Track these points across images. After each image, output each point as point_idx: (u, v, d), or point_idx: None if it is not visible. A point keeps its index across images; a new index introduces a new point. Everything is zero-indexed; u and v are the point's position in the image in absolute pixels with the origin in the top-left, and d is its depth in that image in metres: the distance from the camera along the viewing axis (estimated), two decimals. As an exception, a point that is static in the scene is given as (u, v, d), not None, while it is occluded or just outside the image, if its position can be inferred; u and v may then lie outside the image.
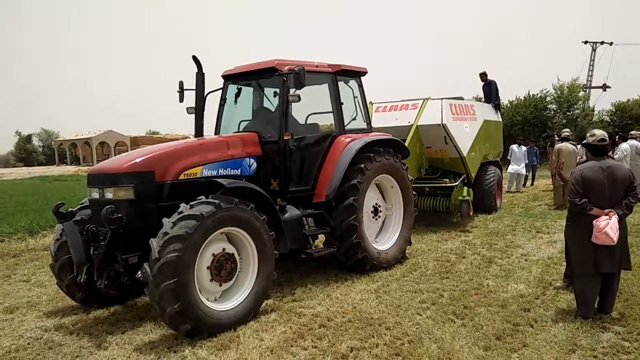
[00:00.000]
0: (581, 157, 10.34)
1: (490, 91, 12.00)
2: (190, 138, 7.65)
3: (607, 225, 4.35)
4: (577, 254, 4.71)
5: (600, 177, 4.49)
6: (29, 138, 63.15)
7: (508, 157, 15.10)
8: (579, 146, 11.45)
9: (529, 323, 4.59)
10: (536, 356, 3.93)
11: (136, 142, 50.96)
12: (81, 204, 5.47)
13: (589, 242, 4.48)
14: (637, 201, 4.70)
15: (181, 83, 6.62)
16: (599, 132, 4.70)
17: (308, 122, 7.02)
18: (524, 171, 15.34)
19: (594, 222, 4.44)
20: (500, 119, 12.51)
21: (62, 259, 5.19)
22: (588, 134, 4.79)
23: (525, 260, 6.88)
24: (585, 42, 37.01)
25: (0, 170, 47.52)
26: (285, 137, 5.90)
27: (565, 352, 3.98)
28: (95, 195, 4.99)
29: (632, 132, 12.68)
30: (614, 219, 4.40)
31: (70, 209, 5.31)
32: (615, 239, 4.35)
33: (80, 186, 19.97)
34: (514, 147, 15.19)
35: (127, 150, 43.57)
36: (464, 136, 9.83)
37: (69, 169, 40.60)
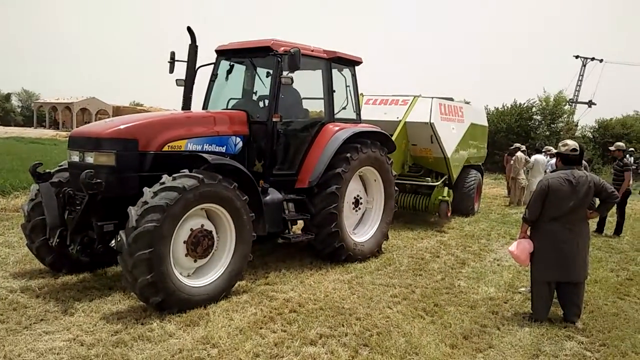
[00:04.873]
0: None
1: None
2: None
3: (515, 247, 4.79)
4: (535, 261, 4.85)
5: (566, 187, 4.59)
6: (7, 97, 61.07)
7: (530, 168, 12.52)
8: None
9: (496, 325, 4.67)
10: (501, 358, 4.01)
11: (119, 112, 49.67)
12: (60, 166, 5.35)
13: (547, 250, 4.68)
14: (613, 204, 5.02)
15: (172, 53, 6.47)
16: (571, 142, 4.86)
17: (298, 107, 6.97)
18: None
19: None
20: (487, 124, 12.64)
21: (35, 220, 5.08)
22: (560, 144, 4.95)
23: (498, 265, 7.00)
24: (577, 57, 37.35)
25: (-25, 127, 46.10)
26: (274, 119, 5.84)
27: (529, 356, 4.07)
28: (75, 158, 4.88)
29: (547, 147, 13.20)
30: (522, 241, 4.78)
31: (47, 170, 5.18)
32: (522, 259, 4.79)
33: (58, 150, 19.50)
34: (541, 156, 12.54)
35: (109, 119, 42.64)
36: (450, 137, 9.90)
37: (47, 133, 39.52)
